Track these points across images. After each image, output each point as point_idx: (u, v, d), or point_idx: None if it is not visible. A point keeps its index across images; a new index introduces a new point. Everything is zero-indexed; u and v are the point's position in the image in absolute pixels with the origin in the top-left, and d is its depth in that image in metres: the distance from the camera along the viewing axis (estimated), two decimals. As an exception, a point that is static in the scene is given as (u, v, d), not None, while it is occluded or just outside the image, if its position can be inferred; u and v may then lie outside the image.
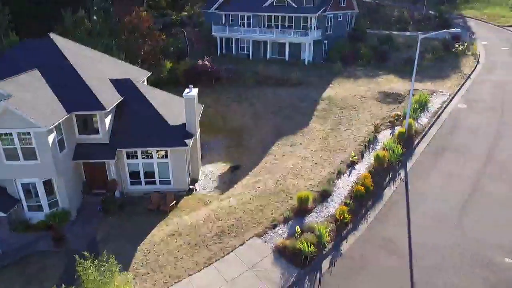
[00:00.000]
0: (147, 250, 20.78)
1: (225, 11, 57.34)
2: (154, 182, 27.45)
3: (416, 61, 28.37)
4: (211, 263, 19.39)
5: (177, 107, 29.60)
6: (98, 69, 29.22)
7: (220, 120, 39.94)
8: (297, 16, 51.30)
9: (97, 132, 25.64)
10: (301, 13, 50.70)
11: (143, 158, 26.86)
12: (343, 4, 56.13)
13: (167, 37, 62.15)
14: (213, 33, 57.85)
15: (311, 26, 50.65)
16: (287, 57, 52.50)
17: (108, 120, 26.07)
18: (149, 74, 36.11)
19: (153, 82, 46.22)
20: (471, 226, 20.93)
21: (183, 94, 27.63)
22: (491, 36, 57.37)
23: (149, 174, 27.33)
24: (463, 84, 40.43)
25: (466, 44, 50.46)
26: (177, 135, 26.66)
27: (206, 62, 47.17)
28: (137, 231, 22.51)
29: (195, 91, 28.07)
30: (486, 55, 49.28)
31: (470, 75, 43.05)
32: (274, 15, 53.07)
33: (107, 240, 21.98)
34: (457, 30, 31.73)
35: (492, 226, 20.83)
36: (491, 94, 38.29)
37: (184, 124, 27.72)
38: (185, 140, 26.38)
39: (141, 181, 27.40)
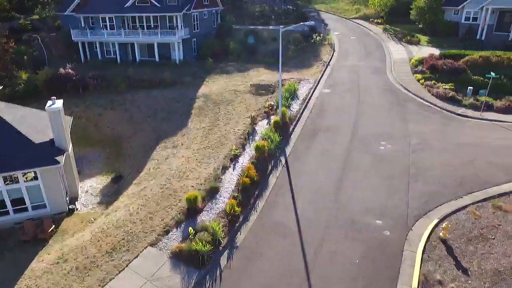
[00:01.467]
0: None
1: (84, 13, 53.31)
2: (25, 209, 24.54)
3: (280, 52, 30.18)
4: (105, 284, 18.16)
5: (41, 122, 26.83)
6: None
7: (95, 130, 37.36)
8: (162, 16, 50.33)
9: None
10: (166, 13, 49.86)
11: (6, 184, 23.75)
12: (207, 2, 56.78)
13: (18, 44, 55.60)
14: (73, 38, 53.38)
15: (177, 25, 50.18)
16: (157, 58, 51.25)
17: (-45, 147, 22.44)
18: (-2, 90, 31.90)
19: (8, 97, 41.22)
20: (346, 197, 23.25)
21: (46, 107, 25.11)
22: (341, 27, 63.92)
23: (18, 201, 24.34)
24: (324, 71, 44.42)
25: (322, 35, 55.36)
26: (45, 153, 24.18)
27: (69, 70, 43.46)
28: (12, 269, 19.89)
29: (59, 103, 25.73)
30: (340, 43, 54.82)
31: (329, 62, 47.47)
32: (138, 16, 51.23)
33: (-27, 287, 19.04)
34: (311, 22, 34.86)
35: (361, 194, 23.44)
36: (348, 78, 42.78)
37: (52, 140, 25.28)
38: (56, 158, 24.08)
39: (8, 210, 24.24)
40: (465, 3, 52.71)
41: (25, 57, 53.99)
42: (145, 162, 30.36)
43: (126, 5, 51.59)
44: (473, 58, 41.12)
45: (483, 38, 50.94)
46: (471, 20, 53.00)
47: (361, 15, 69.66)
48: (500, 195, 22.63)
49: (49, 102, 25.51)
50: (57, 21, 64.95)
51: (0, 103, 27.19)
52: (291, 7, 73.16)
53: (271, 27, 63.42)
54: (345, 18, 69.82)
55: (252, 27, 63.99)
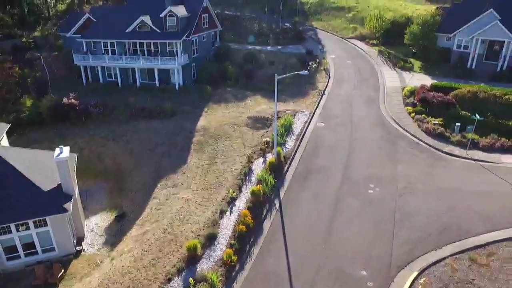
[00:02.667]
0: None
1: (86, 38, 54.78)
2: (36, 252, 26.22)
3: (276, 97, 31.82)
4: (111, 337, 19.85)
5: (48, 165, 28.41)
6: None
7: (97, 162, 39.01)
8: (162, 43, 51.87)
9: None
10: (166, 39, 51.41)
11: (18, 231, 25.41)
12: (206, 25, 58.34)
13: (21, 65, 57.02)
14: (75, 62, 54.90)
15: (177, 52, 51.70)
16: (157, 83, 52.82)
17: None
18: (7, 127, 33.42)
19: (12, 124, 42.58)
20: (335, 244, 24.97)
21: (54, 156, 26.64)
22: (337, 49, 65.30)
23: (29, 245, 26.02)
24: (319, 101, 46.07)
25: (318, 60, 56.93)
26: (54, 201, 25.83)
27: (73, 100, 45.01)
28: (25, 315, 21.65)
29: (66, 151, 27.17)
30: (335, 68, 56.40)
31: (324, 90, 49.14)
32: (139, 42, 52.74)
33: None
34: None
35: (349, 240, 25.18)
36: (342, 109, 44.46)
37: (59, 186, 26.91)
38: (64, 205, 25.73)
39: (19, 254, 25.92)
40: (457, 31, 54.38)
41: (28, 79, 55.49)
42: (146, 200, 32.00)
43: (128, 30, 53.06)
44: (462, 92, 42.86)
45: (473, 67, 52.74)
46: (462, 48, 54.73)
47: (357, 34, 71.21)
48: (477, 246, 24.38)
49: (57, 151, 26.97)
50: (59, 40, 66.24)
51: (10, 150, 28.78)
52: (288, 24, 74.67)
53: (269, 47, 64.99)
54: (342, 37, 71.31)
55: (250, 47, 65.56)
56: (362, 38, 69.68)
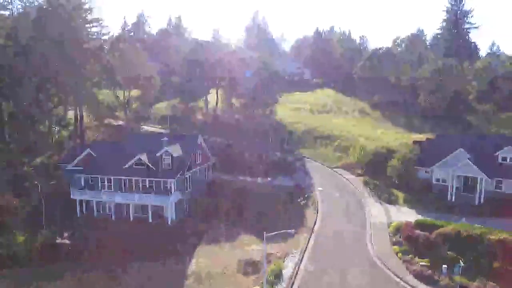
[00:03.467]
0: None
1: (85, 174, 57.36)
2: None
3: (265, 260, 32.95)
4: None
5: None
6: None
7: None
8: (157, 181, 54.52)
9: None
10: (161, 178, 54.14)
11: None
12: (200, 161, 61.81)
13: (17, 193, 58.39)
14: (72, 197, 56.71)
15: (171, 189, 53.97)
16: (150, 218, 54.07)
17: None
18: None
19: (4, 258, 42.03)
20: None
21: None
22: (324, 180, 67.85)
23: None
24: (308, 240, 47.24)
25: (306, 195, 59.45)
26: None
27: (66, 240, 45.73)
28: None
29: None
30: (323, 203, 58.41)
31: (313, 228, 50.61)
32: (135, 179, 55.33)
33: None
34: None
35: None
36: (331, 248, 45.64)
37: None
38: None
39: None
40: (433, 167, 58.22)
41: (24, 210, 56.55)
42: None
43: (125, 166, 55.94)
44: (446, 231, 44.56)
45: (453, 199, 55.43)
46: (441, 181, 58.03)
47: (343, 163, 75.14)
48: None
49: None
50: (59, 171, 68.78)
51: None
52: (278, 154, 79.11)
53: (259, 179, 68.05)
54: (329, 167, 75.09)
55: (241, 177, 68.60)
56: (348, 167, 73.45)
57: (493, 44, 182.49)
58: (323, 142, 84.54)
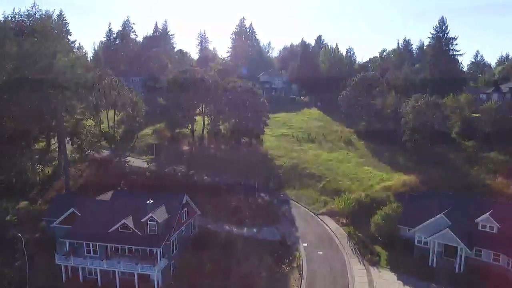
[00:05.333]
0: None
1: (69, 239, 56.94)
2: None
3: None
4: None
5: None
6: None
7: None
8: (143, 249, 54.62)
9: None
10: (146, 246, 54.30)
11: None
12: (186, 217, 61.95)
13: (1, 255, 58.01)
14: (56, 262, 56.42)
15: (157, 254, 54.13)
16: (136, 285, 54.22)
17: None
18: None
19: None
20: None
21: None
22: (309, 232, 68.45)
23: None
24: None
25: (291, 257, 60.07)
26: None
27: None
28: None
29: None
30: (308, 263, 59.32)
31: (298, 300, 51.54)
32: (121, 246, 55.31)
33: None
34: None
35: None
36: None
37: None
38: None
39: None
40: (415, 229, 59.40)
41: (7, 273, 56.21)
42: None
43: (110, 230, 55.84)
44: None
45: (434, 264, 56.79)
46: (422, 243, 59.27)
47: (328, 209, 75.98)
48: None
49: None
50: (42, 222, 68.11)
51: None
52: (264, 195, 79.83)
53: (245, 230, 68.80)
54: (314, 213, 75.95)
55: (227, 227, 69.29)
56: (333, 214, 74.35)
57: (477, 54, 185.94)
58: (309, 182, 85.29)
